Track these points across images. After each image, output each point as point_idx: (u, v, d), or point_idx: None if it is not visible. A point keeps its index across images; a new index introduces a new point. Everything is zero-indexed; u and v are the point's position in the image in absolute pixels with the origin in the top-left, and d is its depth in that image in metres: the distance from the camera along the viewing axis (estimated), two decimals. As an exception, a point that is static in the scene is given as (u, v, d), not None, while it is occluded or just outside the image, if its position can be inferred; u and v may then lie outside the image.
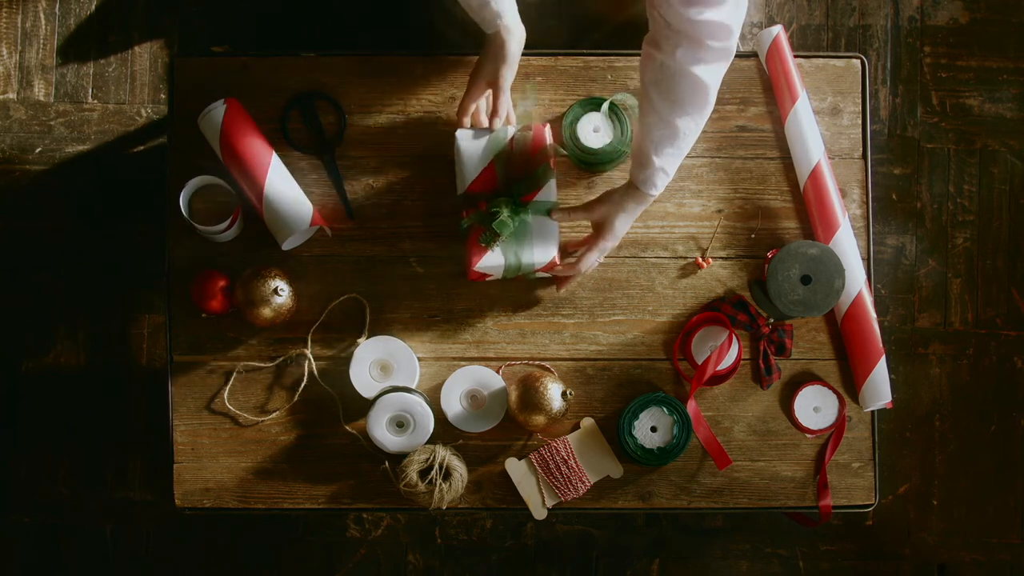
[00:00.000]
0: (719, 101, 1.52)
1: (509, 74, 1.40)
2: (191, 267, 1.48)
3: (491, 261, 1.41)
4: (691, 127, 1.31)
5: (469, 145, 1.43)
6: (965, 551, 2.14)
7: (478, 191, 1.43)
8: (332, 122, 1.51)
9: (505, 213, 1.39)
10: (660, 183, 1.36)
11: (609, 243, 1.42)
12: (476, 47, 1.46)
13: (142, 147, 2.14)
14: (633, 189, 1.37)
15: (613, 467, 1.48)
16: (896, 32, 2.19)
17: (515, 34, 1.38)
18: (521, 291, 1.50)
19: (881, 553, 2.13)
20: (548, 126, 1.45)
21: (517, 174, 1.43)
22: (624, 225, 1.41)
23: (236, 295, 1.43)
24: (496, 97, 1.42)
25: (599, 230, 1.41)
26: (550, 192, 1.43)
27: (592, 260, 1.43)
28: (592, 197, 1.49)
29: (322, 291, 1.49)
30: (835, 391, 1.51)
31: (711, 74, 1.26)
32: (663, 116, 1.29)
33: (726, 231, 1.51)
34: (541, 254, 1.42)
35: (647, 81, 1.29)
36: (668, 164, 1.34)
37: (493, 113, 1.42)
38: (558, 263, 1.44)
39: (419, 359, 1.48)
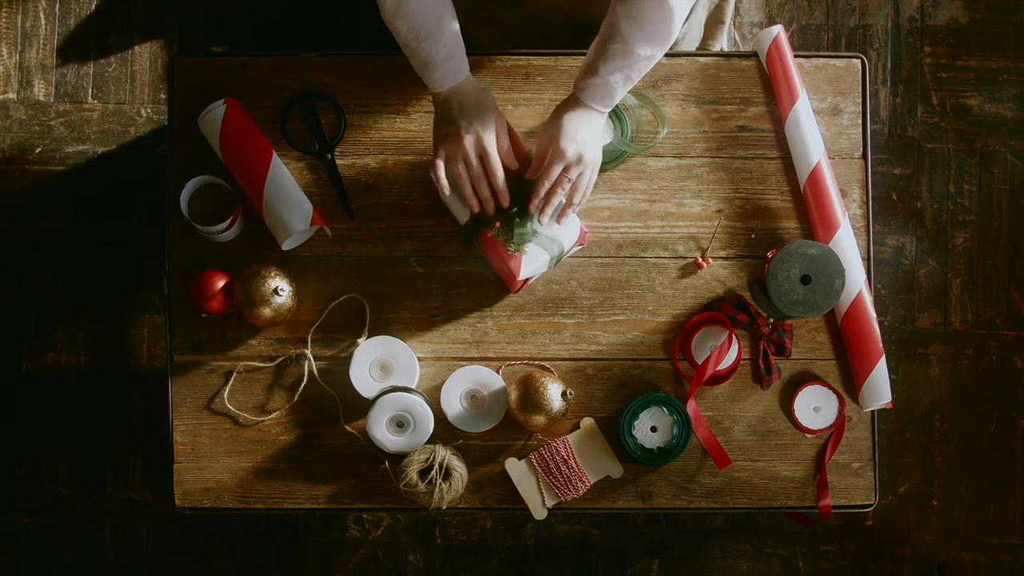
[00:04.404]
0: (719, 101, 1.53)
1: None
2: (191, 267, 1.48)
3: (533, 262, 1.40)
4: (647, 53, 1.31)
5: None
6: (965, 551, 2.14)
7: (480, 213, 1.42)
8: (332, 122, 1.51)
9: (523, 214, 1.38)
10: (599, 96, 1.33)
11: (568, 146, 1.33)
12: (475, 47, 1.46)
13: (142, 147, 2.14)
14: (574, 99, 1.36)
15: (613, 467, 1.48)
16: (896, 32, 2.19)
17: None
18: (521, 291, 1.50)
19: (881, 553, 2.13)
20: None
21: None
22: (574, 126, 1.34)
23: (236, 295, 1.43)
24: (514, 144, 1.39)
25: (555, 140, 1.34)
26: None
27: (572, 175, 1.36)
28: (596, 195, 1.49)
29: (322, 291, 1.49)
30: (835, 391, 1.50)
31: (680, 2, 1.27)
32: (625, 38, 1.29)
33: (726, 231, 1.51)
34: (571, 230, 1.42)
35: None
36: (616, 80, 1.32)
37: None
38: (586, 230, 1.43)
39: (419, 359, 1.48)
